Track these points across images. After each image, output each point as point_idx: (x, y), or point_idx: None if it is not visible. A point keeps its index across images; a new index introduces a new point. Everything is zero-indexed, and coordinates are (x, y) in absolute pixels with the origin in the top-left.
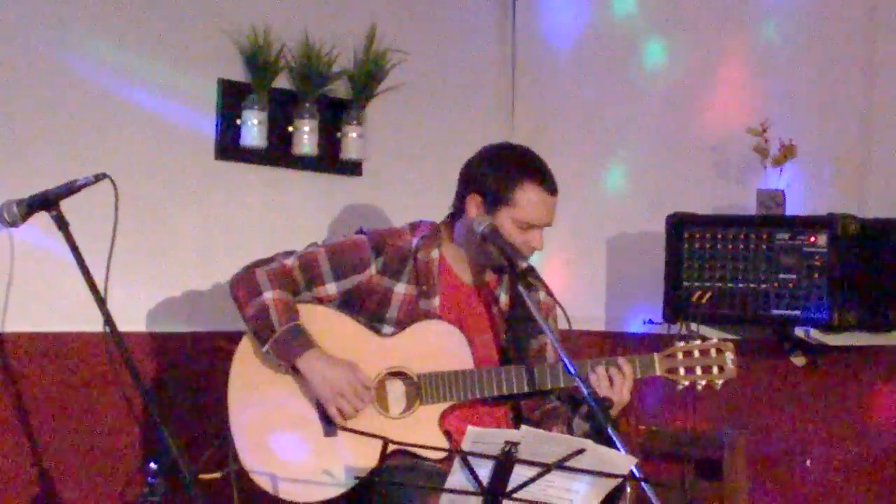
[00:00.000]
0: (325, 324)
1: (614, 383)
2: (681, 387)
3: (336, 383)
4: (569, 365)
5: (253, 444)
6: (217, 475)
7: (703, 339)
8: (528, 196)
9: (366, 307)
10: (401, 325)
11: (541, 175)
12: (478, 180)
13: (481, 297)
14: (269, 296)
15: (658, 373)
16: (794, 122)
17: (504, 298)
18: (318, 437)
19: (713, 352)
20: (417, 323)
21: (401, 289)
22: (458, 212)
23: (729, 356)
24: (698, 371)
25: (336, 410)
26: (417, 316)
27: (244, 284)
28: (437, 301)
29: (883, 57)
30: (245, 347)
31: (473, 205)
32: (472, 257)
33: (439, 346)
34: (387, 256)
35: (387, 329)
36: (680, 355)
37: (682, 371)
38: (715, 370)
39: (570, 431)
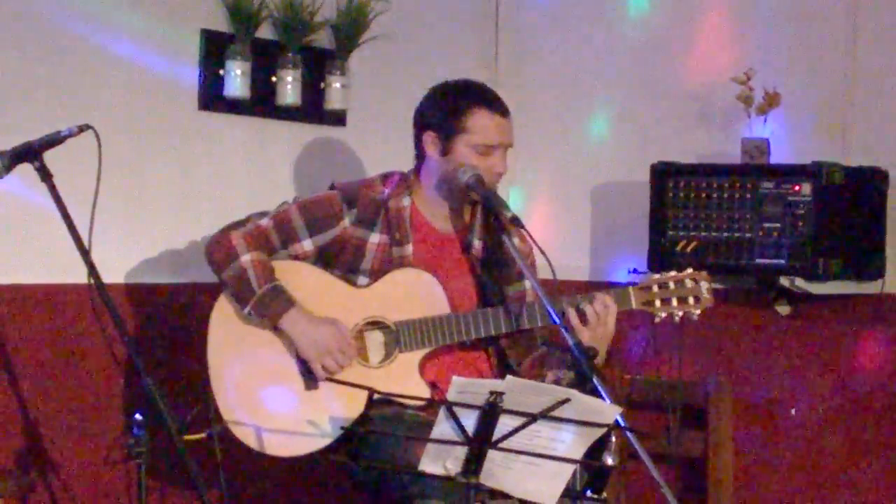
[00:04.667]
0: (301, 279)
1: (591, 319)
2: (658, 319)
3: (321, 341)
4: (553, 314)
5: (236, 402)
6: (201, 436)
7: (678, 270)
8: (478, 120)
9: (341, 260)
10: (375, 275)
11: (486, 98)
12: (428, 119)
13: (455, 244)
14: (246, 258)
15: (634, 306)
16: (779, 70)
17: (477, 244)
18: (300, 390)
19: (688, 282)
20: (392, 272)
21: (375, 238)
22: (420, 157)
23: (704, 285)
24: (674, 302)
25: (321, 367)
26: (391, 265)
27: (220, 248)
28: (409, 249)
29: (866, 4)
30: (221, 306)
31: (430, 143)
32: (447, 201)
33: (415, 293)
34: (360, 208)
35: (362, 280)
36: (655, 287)
37: (658, 303)
38: (691, 300)
39: (558, 381)
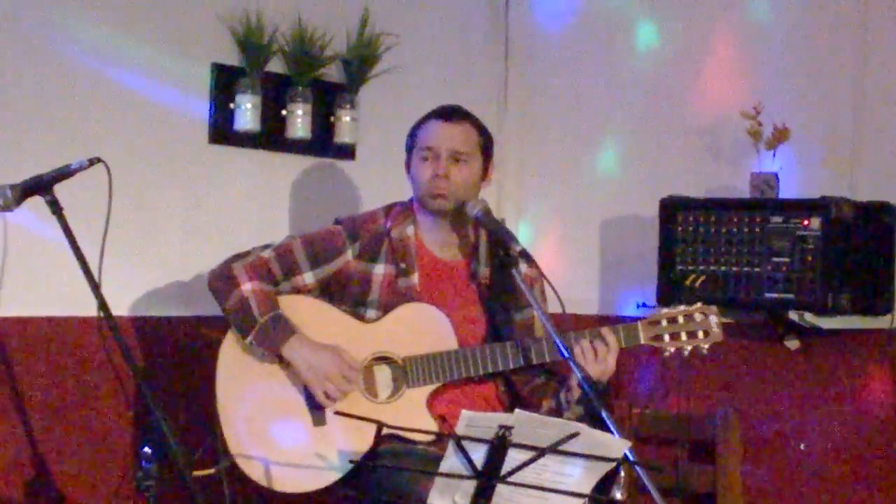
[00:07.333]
0: (308, 313)
1: (598, 355)
2: (667, 353)
3: (322, 366)
4: (562, 348)
5: (244, 437)
6: (210, 471)
7: (687, 304)
8: (423, 131)
9: (348, 293)
10: (383, 307)
11: (435, 111)
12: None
13: (460, 272)
14: (247, 287)
15: (643, 341)
16: (787, 105)
17: (483, 272)
18: (308, 426)
19: (697, 316)
20: (400, 307)
21: (380, 270)
22: None
23: (713, 319)
24: (683, 336)
25: (323, 394)
26: (399, 295)
27: (222, 279)
28: (416, 278)
29: (875, 39)
30: (230, 341)
31: (406, 168)
32: (442, 223)
33: (423, 328)
34: (363, 241)
35: (370, 313)
36: (664, 322)
37: (667, 338)
38: (700, 334)
39: (559, 406)
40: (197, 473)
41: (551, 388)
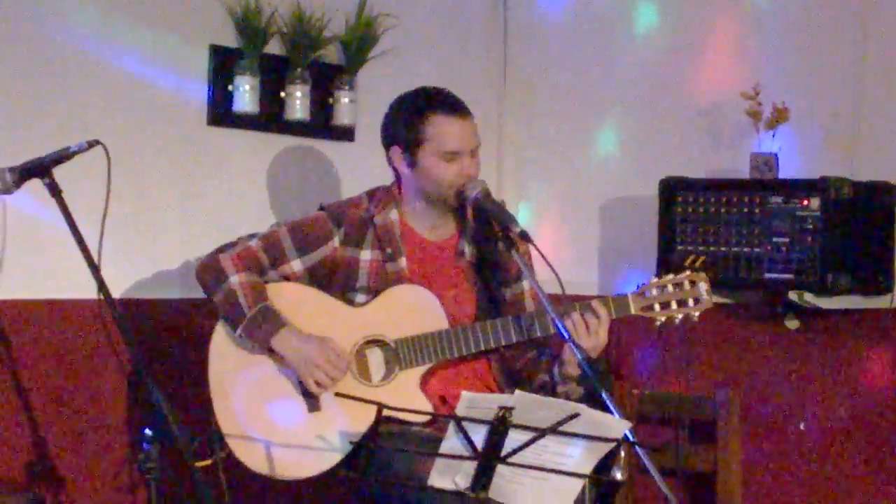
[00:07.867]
0: (297, 300)
1: (590, 328)
2: (658, 323)
3: (309, 356)
4: (561, 329)
5: (240, 427)
6: (208, 462)
7: (676, 273)
8: (436, 127)
9: (336, 280)
10: (372, 291)
11: (443, 103)
12: (391, 134)
13: (447, 252)
14: (235, 280)
15: (633, 312)
16: (787, 85)
17: (469, 251)
18: (303, 413)
19: (686, 284)
20: (389, 289)
21: (366, 255)
22: (395, 172)
23: (703, 286)
24: (674, 305)
25: (313, 382)
26: (387, 280)
27: (210, 271)
28: (403, 262)
29: (875, 19)
30: (221, 331)
31: (397, 158)
32: (435, 210)
33: (413, 309)
34: (347, 227)
35: (360, 298)
36: (654, 291)
37: (657, 307)
38: (690, 302)
39: (552, 379)
40: (196, 465)
41: (544, 362)
